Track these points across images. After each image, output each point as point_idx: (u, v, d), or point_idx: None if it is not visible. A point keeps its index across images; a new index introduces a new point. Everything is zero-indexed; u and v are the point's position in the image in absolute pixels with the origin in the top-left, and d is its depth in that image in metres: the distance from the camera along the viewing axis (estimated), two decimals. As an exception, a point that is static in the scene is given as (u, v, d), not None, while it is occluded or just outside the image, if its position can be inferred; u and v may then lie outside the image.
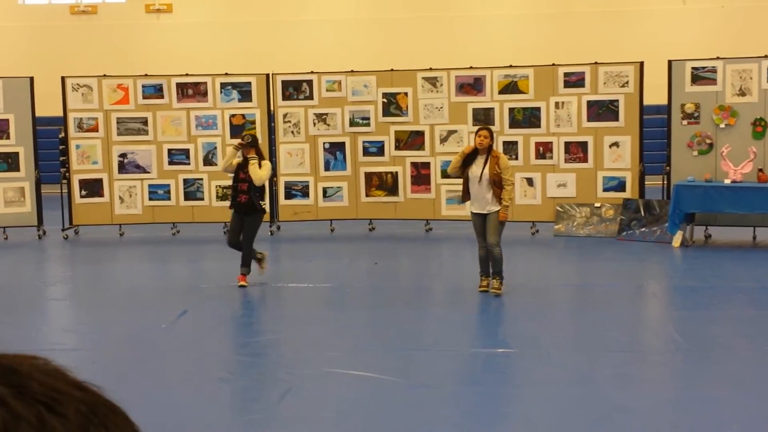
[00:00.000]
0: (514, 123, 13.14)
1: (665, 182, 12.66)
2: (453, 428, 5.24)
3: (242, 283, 9.35)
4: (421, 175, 13.50)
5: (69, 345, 7.35)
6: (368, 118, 13.55)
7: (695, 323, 7.71)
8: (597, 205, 12.90)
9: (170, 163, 13.72)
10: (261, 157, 9.41)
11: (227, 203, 13.53)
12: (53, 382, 0.68)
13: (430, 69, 13.56)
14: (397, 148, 13.52)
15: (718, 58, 12.48)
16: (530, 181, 13.15)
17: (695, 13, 21.16)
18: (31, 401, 0.66)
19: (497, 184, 8.68)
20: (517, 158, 13.10)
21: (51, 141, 17.11)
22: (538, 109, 13.06)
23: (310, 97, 13.64)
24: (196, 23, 22.13)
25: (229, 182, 13.54)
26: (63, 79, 13.83)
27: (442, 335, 7.54)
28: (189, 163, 13.72)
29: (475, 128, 12.81)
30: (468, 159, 8.82)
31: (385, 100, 13.52)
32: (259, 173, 9.24)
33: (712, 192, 11.62)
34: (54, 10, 22.77)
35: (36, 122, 13.72)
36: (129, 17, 22.47)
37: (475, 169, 8.76)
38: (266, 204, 9.63)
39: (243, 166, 9.38)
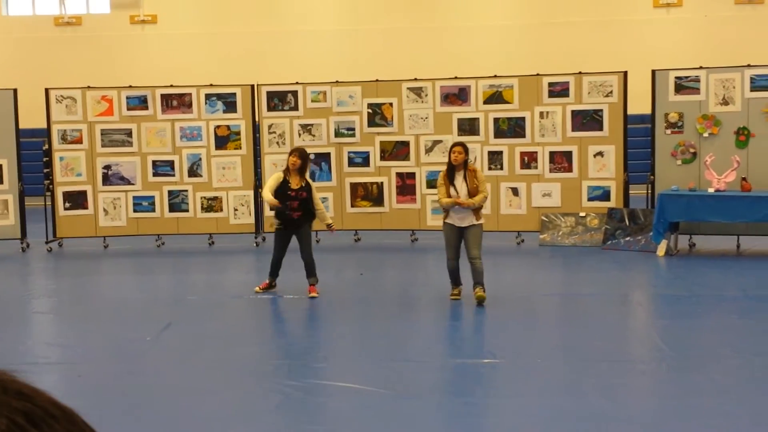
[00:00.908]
0: (498, 133, 13.18)
1: (649, 191, 12.72)
2: (439, 439, 5.23)
3: (313, 294, 9.26)
4: (406, 186, 13.51)
5: (54, 359, 7.30)
6: (353, 129, 13.56)
7: (680, 332, 7.73)
8: (582, 214, 12.94)
9: (155, 174, 13.68)
10: (305, 171, 9.39)
11: (212, 215, 13.64)
12: None
13: (415, 79, 13.59)
14: (382, 158, 13.54)
15: (701, 67, 12.56)
16: (515, 191, 13.18)
17: (678, 23, 21.31)
18: None
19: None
20: (502, 168, 13.14)
21: (35, 153, 17.04)
22: (523, 118, 13.10)
23: (295, 108, 13.64)
24: (181, 34, 22.12)
25: (214, 194, 13.62)
26: (47, 90, 13.79)
27: (429, 346, 7.53)
28: (174, 175, 13.69)
29: (461, 139, 12.92)
30: (449, 175, 8.94)
31: (370, 111, 13.53)
32: (320, 206, 9.50)
33: (696, 201, 11.68)
34: (38, 21, 22.71)
35: (19, 134, 13.66)
36: (113, 28, 22.44)
37: (459, 186, 8.88)
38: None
39: (285, 186, 9.22)
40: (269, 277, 9.53)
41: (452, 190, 8.86)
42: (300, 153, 9.36)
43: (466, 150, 8.99)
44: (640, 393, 6.17)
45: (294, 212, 9.23)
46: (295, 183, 9.25)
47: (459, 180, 8.91)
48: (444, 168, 9.18)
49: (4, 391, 0.70)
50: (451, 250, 9.02)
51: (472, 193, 8.84)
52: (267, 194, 9.26)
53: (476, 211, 8.87)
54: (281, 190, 9.21)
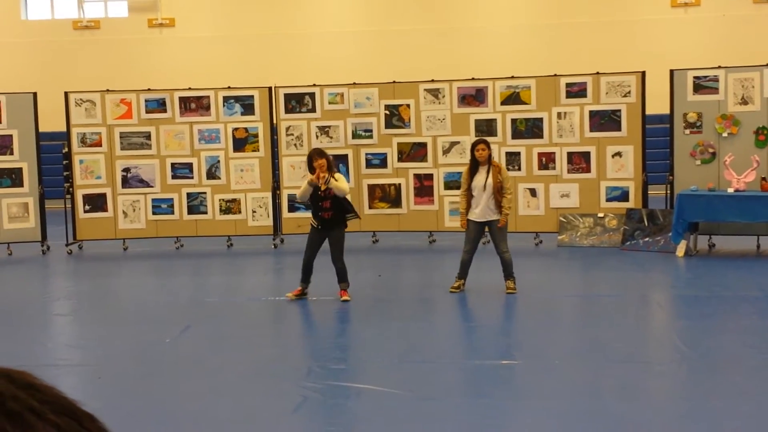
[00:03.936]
0: (516, 134, 13.16)
1: (668, 192, 12.66)
2: (458, 441, 5.23)
3: (345, 297, 9.21)
4: (424, 187, 13.51)
5: (74, 360, 7.35)
6: (371, 131, 13.57)
7: (700, 333, 7.69)
8: (600, 215, 12.90)
9: (173, 177, 13.74)
10: (332, 171, 9.18)
11: (231, 217, 13.69)
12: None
13: (432, 81, 13.58)
14: (399, 159, 13.54)
15: (719, 67, 12.49)
16: (533, 192, 13.15)
17: (697, 23, 21.20)
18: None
19: (500, 192, 9.15)
20: (519, 169, 13.12)
21: (54, 156, 17.16)
22: (541, 119, 13.07)
23: (313, 110, 13.67)
24: (199, 37, 22.20)
25: (232, 196, 13.66)
26: (66, 94, 13.88)
27: (447, 347, 7.53)
28: (192, 177, 13.74)
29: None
30: (471, 172, 9.28)
31: (387, 112, 13.54)
32: (342, 186, 9.07)
33: (716, 201, 11.61)
34: (57, 25, 22.85)
35: (39, 137, 13.76)
36: (132, 32, 22.55)
37: (480, 179, 9.21)
38: (357, 208, 9.57)
39: (315, 188, 9.12)
40: (301, 283, 9.36)
41: (473, 184, 9.16)
42: (322, 153, 9.23)
43: (488, 146, 9.31)
44: (660, 394, 6.14)
45: (326, 212, 9.17)
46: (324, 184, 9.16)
47: (482, 175, 9.18)
48: (466, 166, 9.51)
49: (10, 381, 0.71)
50: (468, 244, 9.39)
51: (496, 188, 9.12)
52: (301, 190, 9.27)
53: (498, 201, 9.16)
54: (312, 193, 9.18)
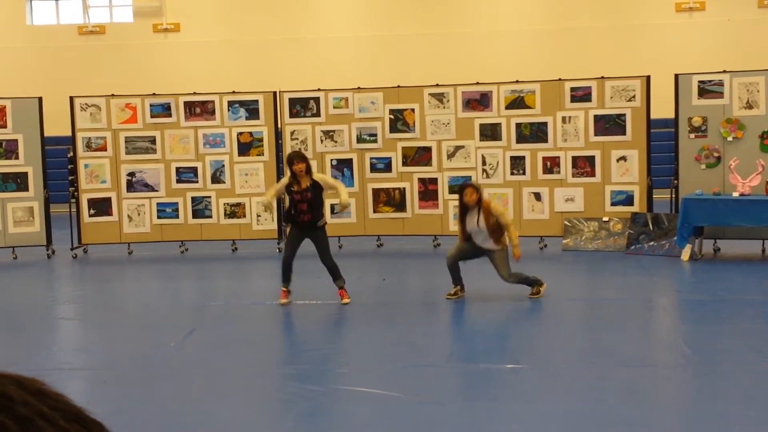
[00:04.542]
0: (521, 138, 13.15)
1: (673, 196, 12.64)
2: (463, 445, 5.22)
3: (345, 300, 9.21)
4: (428, 191, 13.51)
5: (79, 364, 7.36)
6: (375, 135, 13.58)
7: (705, 337, 7.68)
8: (605, 219, 12.89)
9: (178, 181, 13.76)
10: (310, 173, 9.13)
11: (235, 221, 13.69)
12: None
13: (437, 85, 13.59)
14: (404, 164, 13.55)
15: (724, 71, 12.48)
16: (538, 196, 13.15)
17: (701, 27, 21.19)
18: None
19: (496, 231, 9.03)
20: (524, 173, 13.12)
21: (60, 161, 17.18)
22: (545, 123, 13.07)
23: (317, 114, 13.68)
24: (204, 42, 22.24)
25: (237, 200, 13.67)
26: (71, 99, 13.91)
27: (451, 351, 7.53)
28: (197, 181, 13.76)
29: (483, 144, 12.96)
30: (462, 215, 9.20)
31: (392, 117, 13.55)
32: (342, 192, 9.12)
33: (721, 205, 11.60)
34: (62, 30, 22.91)
35: (45, 142, 13.79)
36: (137, 37, 22.60)
37: (471, 223, 9.09)
38: (326, 217, 9.47)
39: (293, 186, 9.11)
40: (283, 284, 9.34)
41: (466, 227, 9.17)
42: (299, 156, 9.16)
43: (476, 190, 9.16)
44: (665, 398, 6.13)
45: (304, 215, 9.11)
46: (302, 185, 9.11)
47: (473, 218, 9.08)
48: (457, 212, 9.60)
49: (20, 386, 0.72)
50: (453, 250, 9.40)
51: (491, 229, 9.01)
52: (266, 194, 9.30)
53: (496, 238, 9.04)
54: (290, 189, 9.16)
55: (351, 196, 13.55)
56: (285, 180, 9.38)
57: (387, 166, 13.59)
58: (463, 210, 9.16)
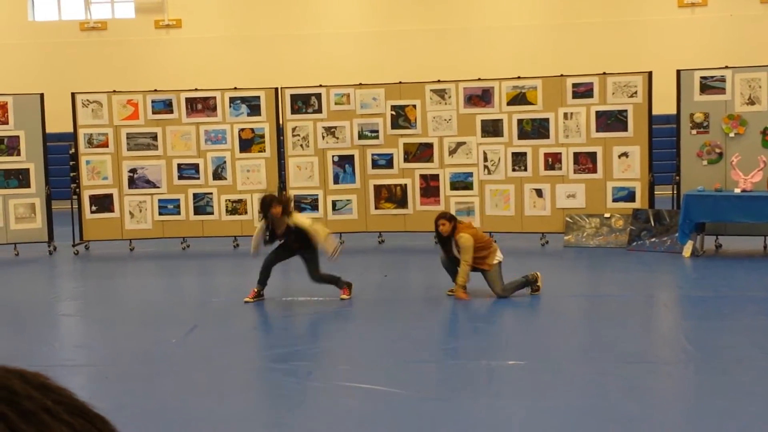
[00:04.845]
0: (522, 134, 13.15)
1: (675, 192, 12.64)
2: (464, 441, 5.23)
3: (344, 296, 9.24)
4: (430, 187, 13.51)
5: (80, 361, 7.37)
6: (377, 131, 13.58)
7: (706, 333, 7.68)
8: (606, 215, 12.88)
9: (180, 177, 13.76)
10: (288, 213, 9.02)
11: (237, 217, 13.70)
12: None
13: (439, 81, 13.59)
14: (406, 160, 13.54)
15: (726, 67, 12.46)
16: (539, 192, 13.14)
17: (703, 23, 21.17)
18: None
19: (476, 260, 9.07)
20: (526, 169, 13.12)
21: (61, 157, 17.18)
22: (547, 120, 13.07)
23: (319, 111, 13.68)
24: (205, 38, 22.24)
25: (238, 196, 13.68)
26: (73, 95, 13.91)
27: (453, 347, 7.53)
28: (199, 178, 13.77)
29: (484, 140, 12.97)
30: (444, 245, 9.26)
31: (393, 113, 13.54)
32: (320, 234, 9.02)
33: (722, 201, 11.59)
34: (64, 26, 22.91)
35: (46, 138, 13.80)
36: (138, 33, 22.60)
37: (451, 250, 9.23)
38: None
39: (275, 229, 9.09)
40: (258, 284, 9.30)
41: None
42: (274, 199, 9.10)
43: (449, 220, 9.10)
44: (667, 395, 6.13)
45: (293, 243, 9.13)
46: (280, 228, 9.07)
47: (452, 249, 9.18)
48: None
49: (24, 380, 0.72)
50: (444, 253, 9.39)
51: (458, 263, 9.10)
52: (253, 241, 9.40)
53: (478, 263, 9.06)
54: (269, 239, 9.17)
55: (352, 193, 13.59)
56: (262, 226, 9.25)
57: (388, 162, 13.59)
58: (442, 238, 9.24)
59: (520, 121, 13.16)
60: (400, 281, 10.90)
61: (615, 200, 12.91)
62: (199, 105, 13.78)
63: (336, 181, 13.70)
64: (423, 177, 13.53)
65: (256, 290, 9.35)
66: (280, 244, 9.32)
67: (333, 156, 13.68)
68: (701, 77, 12.40)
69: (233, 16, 22.34)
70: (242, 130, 13.76)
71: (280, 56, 21.69)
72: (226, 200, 13.77)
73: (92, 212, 13.81)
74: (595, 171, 12.96)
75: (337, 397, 6.01)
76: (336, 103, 13.66)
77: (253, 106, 13.78)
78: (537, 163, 13.13)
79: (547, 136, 13.08)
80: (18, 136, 13.56)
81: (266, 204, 9.05)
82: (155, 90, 14.12)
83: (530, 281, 9.30)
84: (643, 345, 7.47)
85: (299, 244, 9.12)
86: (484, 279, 9.18)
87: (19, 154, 13.57)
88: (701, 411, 5.65)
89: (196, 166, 13.77)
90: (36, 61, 22.31)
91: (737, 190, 11.63)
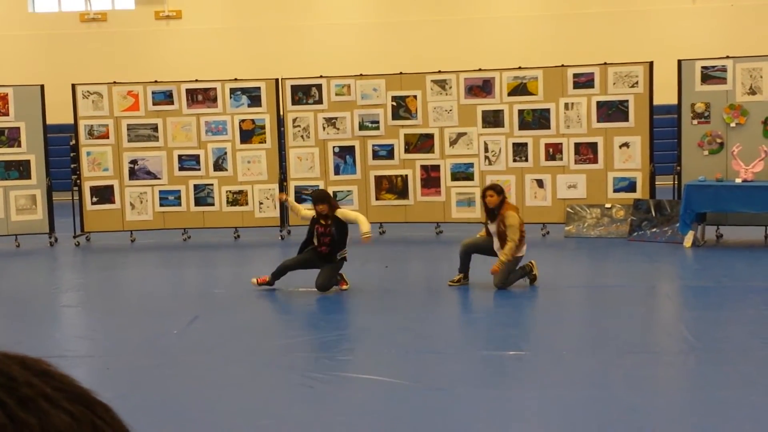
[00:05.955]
0: (523, 124, 13.14)
1: (676, 182, 12.63)
2: (465, 431, 5.23)
3: (343, 287, 9.37)
4: (431, 178, 13.50)
5: (82, 351, 7.38)
6: (378, 122, 13.57)
7: (708, 324, 7.68)
8: (607, 205, 12.88)
9: (180, 168, 13.76)
10: (332, 208, 9.28)
11: (238, 208, 13.69)
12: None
13: (439, 72, 13.57)
14: (406, 151, 13.53)
15: (728, 57, 12.44)
16: (540, 183, 13.14)
17: (705, 12, 21.12)
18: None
19: (505, 240, 9.02)
20: (526, 160, 13.12)
21: (62, 148, 17.20)
22: (548, 110, 13.05)
23: (320, 102, 13.66)
24: (206, 29, 22.21)
25: (239, 188, 13.68)
26: (73, 86, 13.90)
27: (454, 338, 7.54)
28: (199, 169, 13.77)
29: (485, 131, 12.95)
30: (487, 214, 9.22)
31: (394, 104, 13.53)
32: (361, 218, 9.31)
33: (724, 191, 11.58)
34: (64, 17, 22.88)
35: (47, 130, 13.79)
36: (139, 24, 22.57)
37: (492, 224, 9.18)
38: (347, 252, 9.43)
39: (320, 220, 9.28)
40: (271, 276, 9.47)
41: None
42: (321, 198, 9.36)
43: (497, 192, 9.09)
44: (668, 385, 6.14)
45: (323, 247, 9.27)
46: (325, 221, 9.30)
47: (495, 222, 9.10)
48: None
49: (24, 367, 0.71)
50: (472, 239, 9.41)
51: (500, 236, 9.04)
52: (296, 205, 9.88)
53: (503, 245, 9.03)
54: (312, 226, 9.37)
55: (353, 184, 13.59)
56: (312, 213, 9.44)
57: (389, 153, 13.58)
58: (488, 209, 9.19)
59: (520, 112, 13.14)
60: (401, 272, 10.90)
61: (616, 190, 12.91)
62: (200, 96, 13.77)
63: (337, 172, 13.69)
64: (424, 168, 13.52)
65: (268, 279, 9.46)
66: (307, 250, 9.43)
67: (334, 147, 13.67)
68: (702, 67, 12.38)
69: (234, 6, 22.30)
70: (243, 121, 13.75)
71: (280, 47, 21.65)
72: (226, 191, 13.77)
73: (93, 203, 13.81)
74: (596, 161, 12.95)
75: (340, 389, 6.02)
76: (336, 94, 13.65)
77: (253, 97, 13.77)
78: (538, 154, 13.12)
79: (548, 127, 13.06)
80: (19, 128, 13.55)
81: (314, 200, 9.35)
82: (155, 81, 14.10)
83: (527, 272, 9.30)
84: (644, 335, 7.47)
85: (330, 248, 9.24)
86: (490, 264, 9.15)
87: (19, 146, 13.57)
88: (702, 401, 5.66)
89: (196, 158, 13.77)
90: (36, 52, 22.28)
91: (738, 180, 11.62)
